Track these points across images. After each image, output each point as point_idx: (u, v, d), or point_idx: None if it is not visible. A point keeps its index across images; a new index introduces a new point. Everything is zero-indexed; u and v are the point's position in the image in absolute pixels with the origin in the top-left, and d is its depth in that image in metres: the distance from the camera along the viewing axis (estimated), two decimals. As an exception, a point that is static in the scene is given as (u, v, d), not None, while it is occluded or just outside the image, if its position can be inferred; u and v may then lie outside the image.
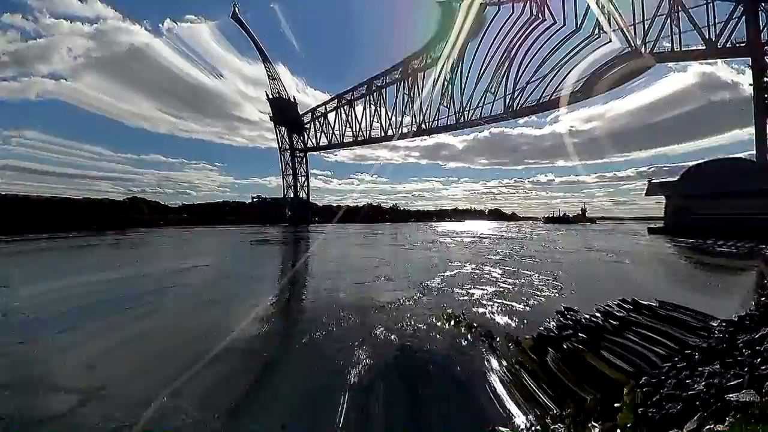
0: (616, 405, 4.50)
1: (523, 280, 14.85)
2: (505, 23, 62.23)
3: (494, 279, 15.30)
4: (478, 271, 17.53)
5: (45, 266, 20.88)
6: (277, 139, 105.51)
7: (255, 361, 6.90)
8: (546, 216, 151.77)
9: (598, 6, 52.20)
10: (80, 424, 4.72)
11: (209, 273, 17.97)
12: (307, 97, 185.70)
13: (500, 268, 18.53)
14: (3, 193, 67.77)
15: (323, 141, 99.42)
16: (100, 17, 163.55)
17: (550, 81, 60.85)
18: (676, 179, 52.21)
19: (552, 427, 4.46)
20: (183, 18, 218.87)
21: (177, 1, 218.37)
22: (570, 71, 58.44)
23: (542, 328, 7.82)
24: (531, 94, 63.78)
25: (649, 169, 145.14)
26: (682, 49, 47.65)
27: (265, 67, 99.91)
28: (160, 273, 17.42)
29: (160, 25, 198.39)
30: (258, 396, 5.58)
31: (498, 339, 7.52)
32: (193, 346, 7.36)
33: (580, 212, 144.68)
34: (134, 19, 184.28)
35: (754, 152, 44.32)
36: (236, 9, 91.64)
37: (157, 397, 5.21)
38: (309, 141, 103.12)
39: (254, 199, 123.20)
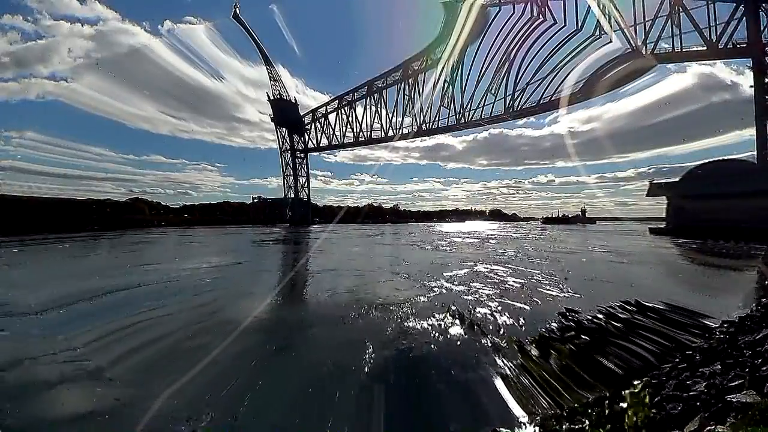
0: (618, 406, 4.52)
1: (530, 279, 15.01)
2: (505, 24, 62.41)
3: (503, 279, 15.43)
4: (486, 270, 17.73)
5: (64, 267, 20.94)
6: (278, 139, 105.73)
7: (273, 345, 7.62)
8: (544, 217, 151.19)
9: (599, 6, 52.27)
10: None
11: (235, 270, 18.73)
12: (307, 98, 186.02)
13: (509, 267, 18.73)
14: (3, 193, 67.86)
15: (324, 142, 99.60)
16: (100, 18, 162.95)
17: (551, 82, 60.97)
18: (677, 180, 52.20)
19: (554, 427, 4.48)
20: (182, 19, 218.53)
21: (176, 3, 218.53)
22: (570, 72, 58.57)
23: (544, 329, 7.86)
24: (531, 95, 63.92)
25: (649, 169, 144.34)
26: (683, 49, 47.68)
27: (267, 68, 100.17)
28: (194, 270, 18.13)
29: (160, 26, 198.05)
30: (264, 381, 5.90)
31: (501, 339, 7.55)
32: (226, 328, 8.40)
33: (580, 213, 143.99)
34: (134, 21, 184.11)
35: (755, 153, 44.32)
36: (237, 9, 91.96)
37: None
38: (309, 142, 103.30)
39: (255, 200, 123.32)
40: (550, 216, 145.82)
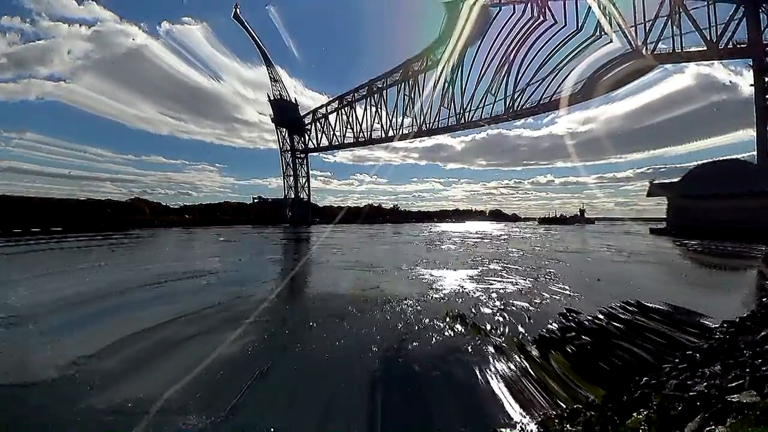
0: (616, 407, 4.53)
1: (538, 278, 15.32)
2: (505, 24, 62.37)
3: (514, 277, 15.75)
4: (499, 269, 18.21)
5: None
6: (278, 140, 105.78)
7: (285, 332, 8.49)
8: (541, 217, 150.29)
9: (599, 7, 52.26)
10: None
11: (281, 263, 22.19)
12: (306, 98, 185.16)
13: (518, 266, 19.17)
14: (3, 194, 67.77)
15: (324, 142, 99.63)
16: (98, 19, 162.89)
17: (551, 82, 60.96)
18: (677, 180, 52.18)
19: (554, 427, 4.49)
20: (180, 20, 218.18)
21: (174, 3, 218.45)
22: (570, 72, 58.56)
23: (545, 330, 7.86)
24: (531, 95, 63.89)
25: (647, 170, 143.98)
26: (684, 50, 47.67)
27: (267, 68, 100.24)
28: (250, 262, 22.09)
29: (158, 27, 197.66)
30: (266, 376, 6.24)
31: (502, 340, 7.56)
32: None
33: (579, 213, 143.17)
34: (132, 21, 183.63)
35: (755, 153, 44.27)
36: (237, 9, 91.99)
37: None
38: (310, 142, 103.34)
39: (255, 200, 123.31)
40: (546, 216, 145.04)
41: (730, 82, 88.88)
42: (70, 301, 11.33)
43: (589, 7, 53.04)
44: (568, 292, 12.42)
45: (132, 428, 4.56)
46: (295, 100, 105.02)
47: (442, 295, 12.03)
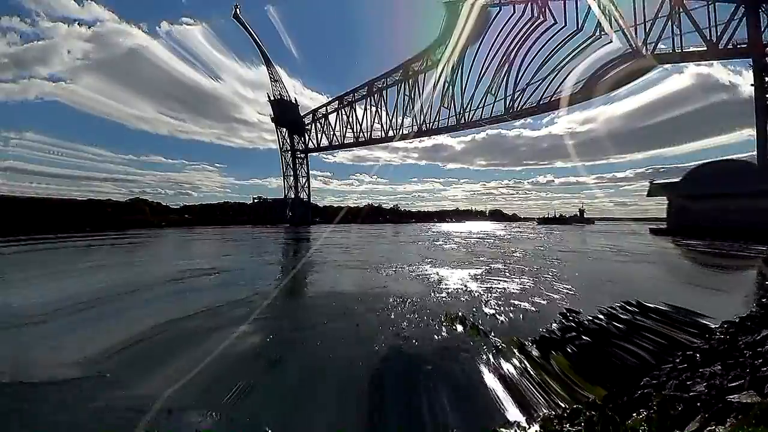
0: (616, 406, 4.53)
1: (540, 277, 15.46)
2: (505, 24, 62.41)
3: (518, 276, 15.92)
4: (501, 268, 18.48)
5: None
6: (278, 140, 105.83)
7: (292, 329, 8.77)
8: (540, 217, 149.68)
9: (599, 7, 52.27)
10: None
11: (300, 261, 23.51)
12: (305, 98, 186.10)
13: (522, 266, 19.39)
14: (3, 194, 67.76)
15: (324, 142, 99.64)
16: (98, 20, 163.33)
17: (551, 82, 60.96)
18: (678, 180, 52.15)
19: (554, 428, 4.49)
20: (179, 20, 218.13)
21: (173, 3, 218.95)
22: (570, 72, 58.55)
23: (545, 330, 7.85)
24: (531, 95, 63.89)
25: (647, 170, 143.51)
26: (684, 50, 47.65)
27: (267, 68, 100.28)
28: (271, 260, 23.84)
29: (158, 27, 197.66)
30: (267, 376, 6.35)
31: (503, 340, 7.56)
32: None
33: (578, 213, 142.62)
34: (131, 21, 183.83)
35: (755, 153, 44.22)
36: (237, 9, 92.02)
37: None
38: (310, 142, 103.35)
39: (255, 200, 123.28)
40: (545, 216, 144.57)
41: (730, 82, 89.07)
42: (95, 297, 11.72)
43: (589, 7, 53.13)
44: (568, 291, 12.44)
45: (146, 421, 4.63)
46: (295, 100, 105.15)
47: (445, 295, 12.06)
